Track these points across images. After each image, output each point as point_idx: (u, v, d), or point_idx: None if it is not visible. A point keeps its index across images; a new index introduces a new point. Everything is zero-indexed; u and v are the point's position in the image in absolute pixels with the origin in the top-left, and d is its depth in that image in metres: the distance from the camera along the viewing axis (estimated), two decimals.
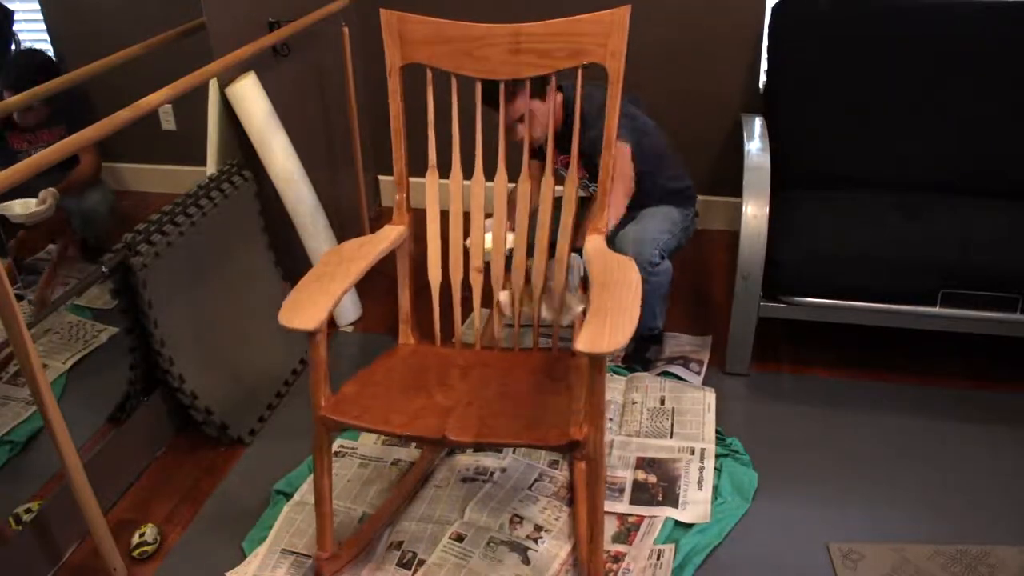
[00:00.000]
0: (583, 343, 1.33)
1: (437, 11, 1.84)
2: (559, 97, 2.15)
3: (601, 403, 1.45)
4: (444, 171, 1.83)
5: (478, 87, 1.76)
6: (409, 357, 1.82)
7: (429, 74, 1.77)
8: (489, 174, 1.81)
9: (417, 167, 1.87)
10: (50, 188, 2.08)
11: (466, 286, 1.85)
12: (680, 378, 2.31)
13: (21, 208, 2.03)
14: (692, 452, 2.03)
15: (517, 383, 1.71)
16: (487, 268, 1.86)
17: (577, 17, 1.66)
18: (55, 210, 2.09)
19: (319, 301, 1.53)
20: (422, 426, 1.54)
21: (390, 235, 1.82)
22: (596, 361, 1.40)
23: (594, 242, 1.73)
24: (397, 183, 1.85)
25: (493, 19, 1.76)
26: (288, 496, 1.96)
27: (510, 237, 1.91)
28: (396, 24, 1.74)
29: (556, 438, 1.47)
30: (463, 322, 1.89)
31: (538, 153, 2.23)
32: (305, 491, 1.97)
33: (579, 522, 1.82)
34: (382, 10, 1.74)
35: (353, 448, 2.11)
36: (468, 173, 1.82)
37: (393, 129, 1.81)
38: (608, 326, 1.38)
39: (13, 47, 2.16)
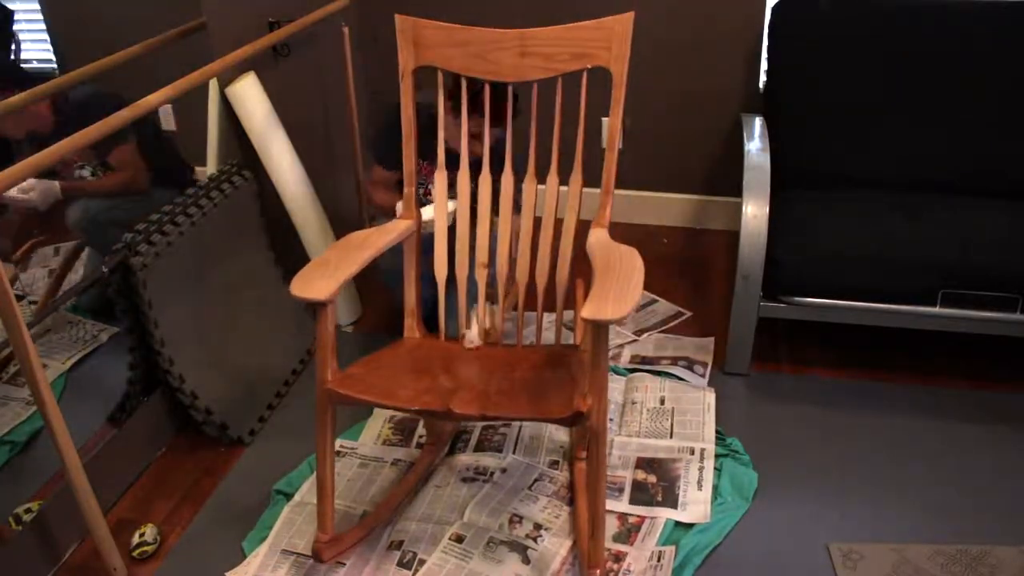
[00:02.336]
0: (588, 311, 1.38)
1: (435, 14, 1.86)
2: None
3: (604, 377, 1.48)
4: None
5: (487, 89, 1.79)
6: (415, 348, 1.84)
7: (440, 76, 1.83)
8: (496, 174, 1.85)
9: None
10: (50, 181, 2.07)
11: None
12: (681, 379, 2.31)
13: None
14: (692, 452, 2.03)
15: (521, 371, 1.73)
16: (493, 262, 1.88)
17: (583, 23, 1.71)
18: (47, 206, 2.07)
19: (331, 275, 1.59)
20: (427, 401, 1.56)
21: (398, 227, 1.85)
22: (599, 330, 1.44)
23: (597, 235, 1.75)
24: (407, 179, 1.88)
25: (498, 22, 1.81)
26: (288, 496, 1.96)
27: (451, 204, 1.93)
28: (410, 29, 1.80)
29: (560, 410, 1.50)
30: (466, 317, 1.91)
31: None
32: (305, 491, 1.97)
33: (579, 518, 1.82)
34: (397, 16, 1.80)
35: (353, 448, 2.11)
36: (475, 173, 1.86)
37: (404, 128, 1.85)
38: (612, 298, 1.43)
39: (13, 47, 2.16)
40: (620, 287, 1.47)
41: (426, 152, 2.03)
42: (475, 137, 1.92)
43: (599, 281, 1.51)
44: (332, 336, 1.60)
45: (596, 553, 1.61)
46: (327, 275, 1.59)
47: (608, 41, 1.70)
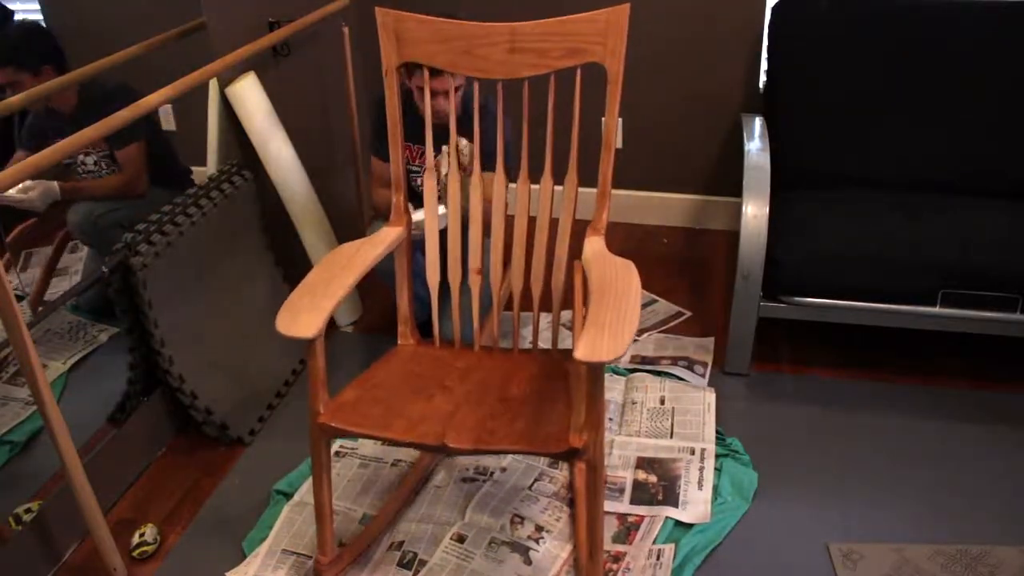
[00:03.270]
0: (582, 352, 1.32)
1: (432, 11, 1.84)
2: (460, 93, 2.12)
3: (600, 412, 1.45)
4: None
5: (477, 85, 1.77)
6: (408, 360, 1.82)
7: (426, 73, 1.78)
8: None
9: None
10: (49, 181, 2.06)
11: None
12: (681, 379, 2.31)
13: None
14: (692, 452, 2.03)
15: (516, 387, 1.70)
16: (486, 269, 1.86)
17: (573, 16, 1.64)
18: (44, 206, 2.06)
19: (317, 306, 1.51)
20: (422, 433, 1.53)
21: (388, 237, 1.79)
22: (594, 369, 1.40)
23: (593, 244, 1.71)
24: (395, 184, 1.83)
25: (490, 17, 1.77)
26: (288, 496, 1.96)
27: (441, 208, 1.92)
28: (392, 23, 1.72)
29: (556, 445, 1.46)
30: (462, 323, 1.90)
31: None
32: (305, 491, 1.97)
33: (579, 523, 1.82)
34: (378, 9, 1.73)
35: (353, 449, 2.11)
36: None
37: (390, 129, 1.80)
38: (607, 335, 1.36)
39: None
40: (616, 316, 1.41)
41: (411, 134, 2.02)
42: (442, 95, 1.94)
43: (594, 307, 1.45)
44: (322, 370, 1.54)
45: (594, 573, 1.60)
46: (313, 306, 1.51)
47: (603, 35, 1.62)
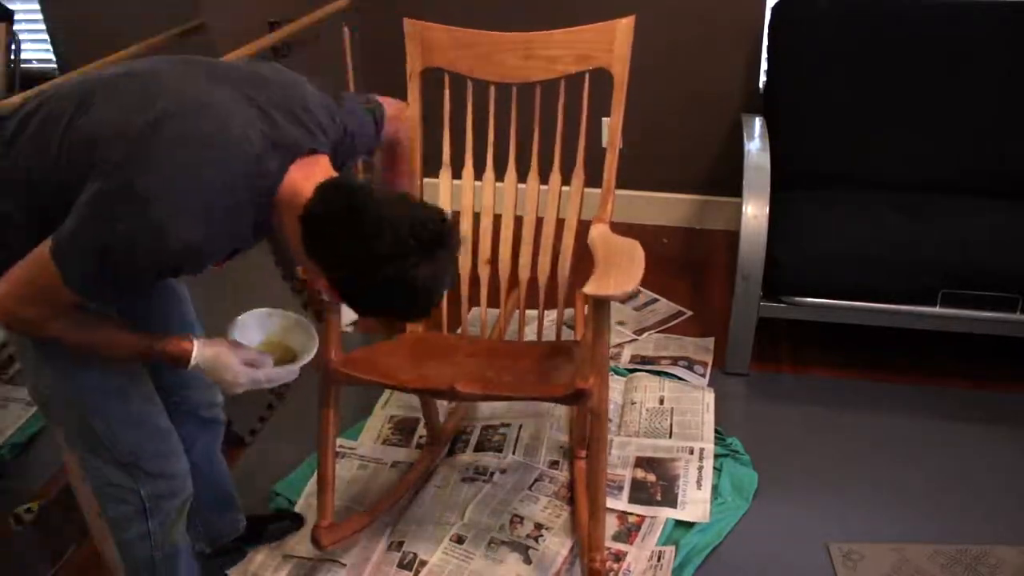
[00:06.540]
0: (590, 287, 1.40)
1: (446, 17, 1.89)
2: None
3: (605, 355, 1.49)
4: (456, 171, 1.90)
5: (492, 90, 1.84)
6: (417, 341, 1.85)
7: (447, 78, 1.86)
8: (500, 174, 1.87)
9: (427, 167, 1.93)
10: None
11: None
12: (680, 379, 2.31)
13: None
14: (691, 452, 2.03)
15: (523, 362, 1.74)
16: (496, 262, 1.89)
17: (586, 27, 1.74)
18: None
19: None
20: (431, 381, 1.58)
21: None
22: (601, 307, 1.45)
23: (599, 229, 1.76)
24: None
25: (498, 25, 1.84)
26: (289, 499, 1.96)
27: None
28: (419, 32, 1.84)
29: (562, 389, 1.51)
30: (468, 313, 1.91)
31: None
32: (307, 493, 1.96)
33: (580, 517, 1.82)
34: (406, 19, 1.85)
35: (352, 449, 2.11)
36: (479, 172, 1.88)
37: (412, 128, 1.85)
38: (614, 276, 1.45)
39: (13, 47, 2.16)
40: (622, 269, 1.49)
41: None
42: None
43: (601, 266, 1.52)
44: (337, 322, 1.63)
45: (596, 537, 1.61)
46: None
47: (610, 43, 1.72)
